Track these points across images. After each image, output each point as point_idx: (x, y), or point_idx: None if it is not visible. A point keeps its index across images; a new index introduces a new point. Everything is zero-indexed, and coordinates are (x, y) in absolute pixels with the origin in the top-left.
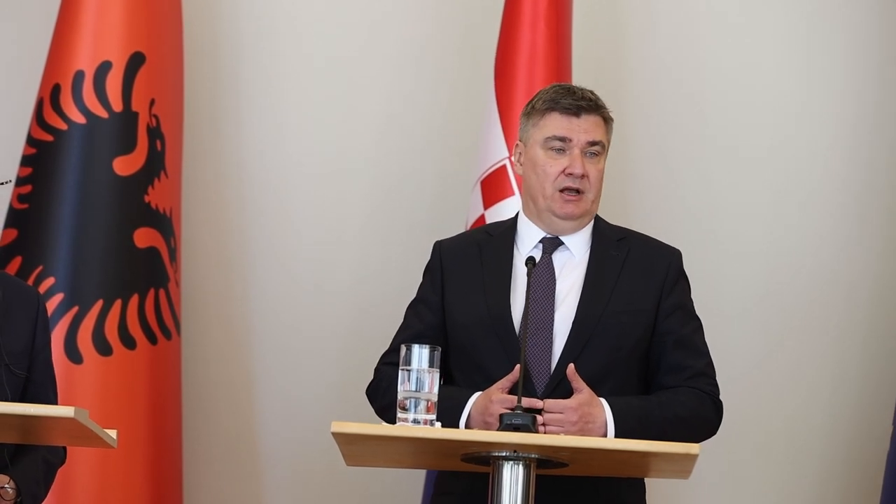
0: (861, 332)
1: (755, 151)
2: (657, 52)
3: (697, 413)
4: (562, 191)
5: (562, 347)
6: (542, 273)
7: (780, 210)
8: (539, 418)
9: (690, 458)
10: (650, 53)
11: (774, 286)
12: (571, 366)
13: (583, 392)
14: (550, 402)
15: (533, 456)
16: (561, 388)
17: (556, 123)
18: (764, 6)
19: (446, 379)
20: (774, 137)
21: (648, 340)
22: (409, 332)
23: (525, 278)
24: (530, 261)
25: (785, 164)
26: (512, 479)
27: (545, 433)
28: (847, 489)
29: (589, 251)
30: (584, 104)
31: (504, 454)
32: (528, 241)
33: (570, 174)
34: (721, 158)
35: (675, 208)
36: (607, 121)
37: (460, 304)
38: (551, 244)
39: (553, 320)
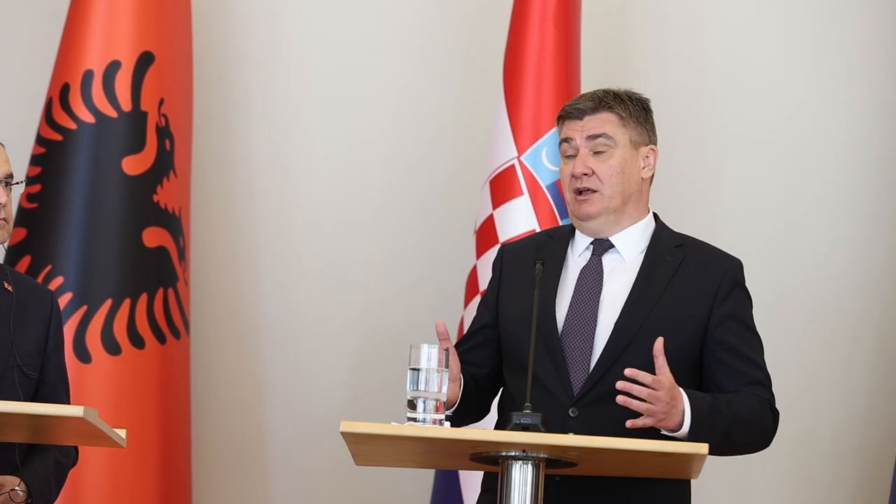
0: (871, 333)
1: (764, 153)
2: (665, 52)
3: (759, 418)
4: (577, 193)
5: (601, 349)
6: (589, 275)
7: (790, 212)
8: (628, 386)
9: (699, 458)
10: (658, 53)
11: (784, 289)
12: (660, 340)
13: (667, 373)
14: (653, 378)
15: (542, 456)
16: (597, 389)
17: (564, 129)
18: (773, 5)
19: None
20: (784, 138)
21: (698, 349)
22: (468, 332)
23: (575, 280)
24: (539, 262)
25: (794, 166)
26: (521, 479)
27: (640, 408)
28: (855, 492)
29: (644, 255)
30: (587, 105)
31: (513, 454)
32: (581, 243)
33: (573, 175)
34: (730, 159)
35: (682, 210)
36: (624, 117)
37: (511, 302)
38: (601, 246)
39: (596, 322)
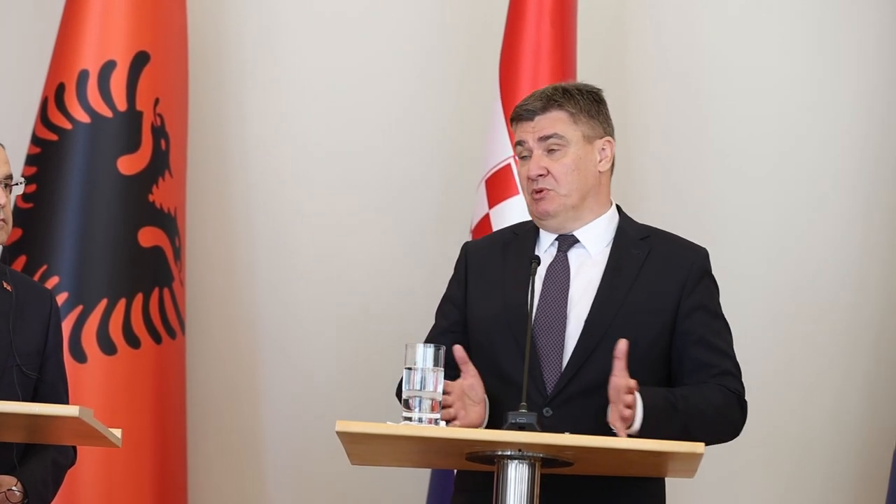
0: (869, 336)
1: (762, 151)
2: (662, 51)
3: (722, 410)
4: (534, 193)
5: (573, 348)
6: (556, 271)
7: (787, 215)
8: (623, 414)
9: (696, 458)
10: (655, 53)
11: (783, 292)
12: (624, 342)
13: (625, 375)
14: (614, 388)
15: (538, 455)
16: (570, 388)
17: (517, 131)
18: (771, 6)
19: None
20: (782, 139)
21: (668, 342)
22: (435, 331)
23: (543, 277)
24: (535, 259)
25: (792, 170)
26: (517, 479)
27: (622, 415)
28: (854, 493)
29: (609, 249)
30: (536, 105)
31: (509, 453)
32: (546, 239)
33: (529, 177)
34: (727, 156)
35: (678, 209)
36: (574, 113)
37: (480, 300)
38: (566, 242)
39: (566, 319)
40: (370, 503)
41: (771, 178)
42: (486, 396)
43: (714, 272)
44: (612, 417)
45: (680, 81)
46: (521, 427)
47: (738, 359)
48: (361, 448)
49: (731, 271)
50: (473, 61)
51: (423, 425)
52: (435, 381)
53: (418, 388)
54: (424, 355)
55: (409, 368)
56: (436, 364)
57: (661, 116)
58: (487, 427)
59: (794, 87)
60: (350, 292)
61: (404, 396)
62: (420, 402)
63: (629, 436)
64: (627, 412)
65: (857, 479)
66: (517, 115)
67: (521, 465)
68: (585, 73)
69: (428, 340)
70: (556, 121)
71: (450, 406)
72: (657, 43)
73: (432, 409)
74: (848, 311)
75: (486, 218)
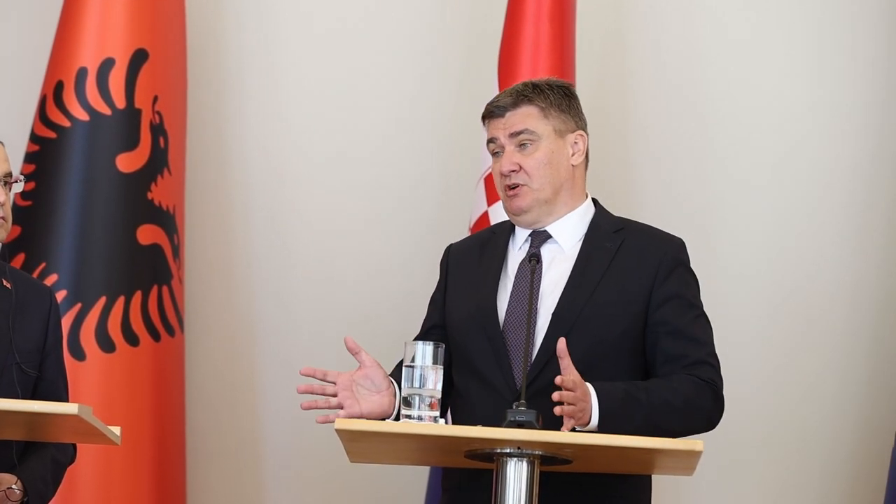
0: (867, 336)
1: (761, 152)
2: (661, 47)
3: (690, 401)
4: (507, 189)
5: (541, 341)
6: (527, 267)
7: (786, 216)
8: (555, 395)
9: (694, 455)
10: (653, 49)
11: (781, 292)
12: (563, 340)
13: (572, 372)
14: (570, 380)
15: (537, 453)
16: (538, 382)
17: (489, 128)
18: (768, 6)
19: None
20: (783, 137)
21: (640, 333)
22: (420, 333)
23: (514, 274)
24: (534, 257)
25: (791, 171)
26: (516, 476)
27: (562, 412)
28: (852, 491)
29: (581, 243)
30: (506, 101)
31: (508, 451)
32: (520, 236)
33: (501, 173)
34: (724, 155)
35: (677, 209)
36: (545, 107)
37: (456, 302)
38: (539, 238)
39: (537, 314)
40: (369, 501)
41: (770, 179)
42: (393, 384)
43: (712, 272)
44: (557, 410)
45: (680, 75)
46: (520, 424)
47: (737, 359)
48: (360, 446)
49: (730, 271)
50: (473, 62)
51: (422, 423)
52: (434, 379)
53: (417, 385)
54: (423, 353)
55: (409, 366)
56: (435, 361)
57: (662, 108)
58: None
59: (794, 87)
60: (349, 290)
61: (403, 394)
62: (419, 399)
63: (588, 432)
64: (568, 408)
65: (855, 477)
66: (488, 113)
67: (520, 463)
68: (584, 72)
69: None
70: (526, 116)
71: (334, 395)
72: (657, 37)
73: (431, 407)
74: (846, 311)
75: (485, 215)
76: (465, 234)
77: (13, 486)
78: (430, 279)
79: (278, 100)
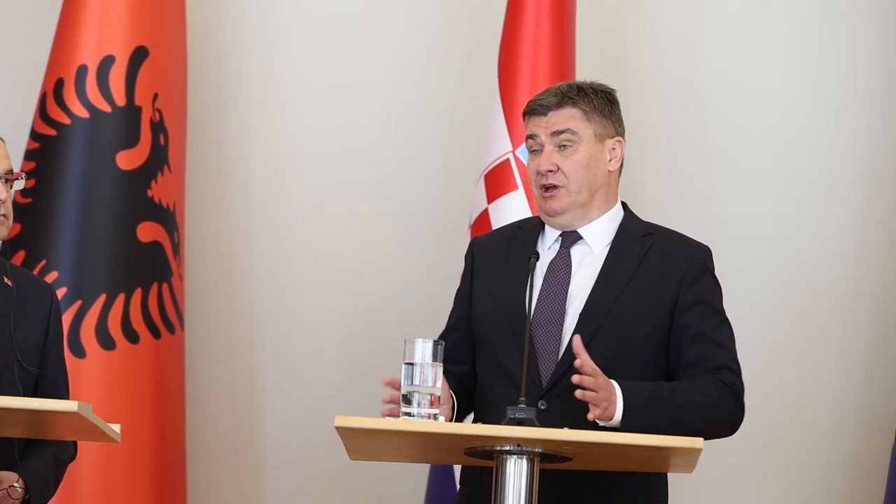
0: (866, 335)
1: (759, 148)
2: (661, 46)
3: (714, 403)
4: (543, 189)
5: (569, 340)
6: (557, 267)
7: (786, 216)
8: (575, 378)
9: (695, 453)
10: (653, 49)
11: (781, 291)
12: (578, 337)
13: (591, 362)
14: (590, 366)
15: (537, 450)
16: (565, 381)
17: (529, 125)
18: (768, 6)
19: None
20: (783, 136)
21: (665, 336)
22: (447, 328)
23: (544, 272)
24: (534, 255)
25: (791, 172)
26: (516, 474)
27: (583, 397)
28: (852, 489)
29: (610, 246)
30: (550, 101)
31: (508, 448)
32: (550, 236)
33: (538, 172)
34: (724, 155)
35: (677, 209)
36: (588, 111)
37: (482, 295)
38: (569, 238)
39: (564, 313)
40: (368, 499)
41: (770, 179)
42: (452, 397)
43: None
44: (578, 394)
45: (679, 74)
46: (519, 422)
47: (738, 356)
48: (360, 443)
49: (729, 272)
50: (473, 62)
51: (422, 420)
52: (434, 377)
53: (417, 383)
54: (423, 350)
55: (409, 363)
56: (434, 359)
57: (662, 107)
58: (488, 422)
59: (794, 87)
60: (349, 287)
61: (403, 391)
62: (419, 397)
63: (612, 428)
64: (590, 394)
65: (855, 475)
66: (530, 110)
67: (519, 460)
68: (584, 69)
69: (440, 336)
70: (569, 117)
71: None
72: (656, 36)
73: (431, 405)
74: (845, 311)
75: (485, 213)
76: (465, 233)
77: (15, 485)
78: (429, 278)
79: (278, 97)
